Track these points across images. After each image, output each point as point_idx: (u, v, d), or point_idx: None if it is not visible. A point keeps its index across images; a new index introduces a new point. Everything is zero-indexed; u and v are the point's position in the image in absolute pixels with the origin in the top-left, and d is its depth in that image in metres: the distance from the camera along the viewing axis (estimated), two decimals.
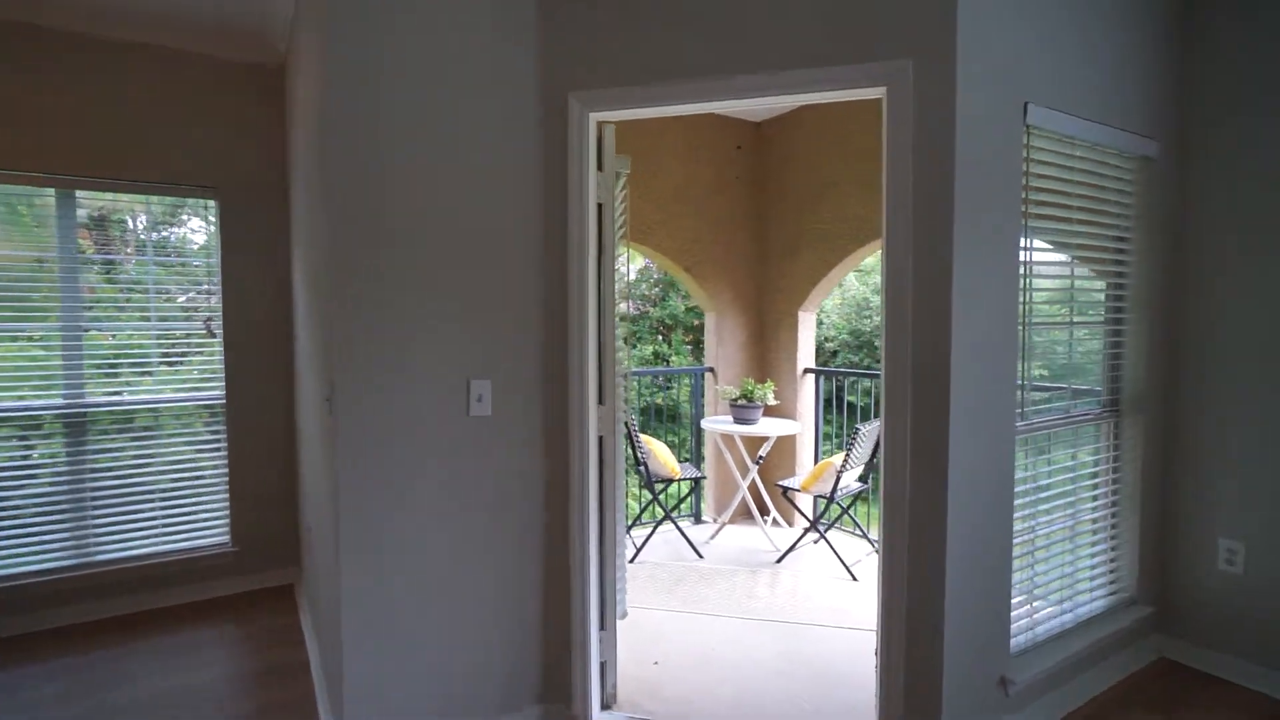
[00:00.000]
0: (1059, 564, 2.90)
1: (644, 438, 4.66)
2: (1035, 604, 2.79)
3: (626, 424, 4.42)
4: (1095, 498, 3.09)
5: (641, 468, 4.44)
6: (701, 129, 5.05)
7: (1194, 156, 3.11)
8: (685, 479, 4.59)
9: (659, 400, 13.46)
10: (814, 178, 4.89)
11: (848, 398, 5.82)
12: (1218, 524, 3.07)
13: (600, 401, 2.72)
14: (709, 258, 5.13)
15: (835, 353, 12.34)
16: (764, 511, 5.10)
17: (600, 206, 2.65)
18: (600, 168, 2.62)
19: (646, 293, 18.53)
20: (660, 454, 4.50)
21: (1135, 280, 3.08)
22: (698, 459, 5.35)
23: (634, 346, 17.15)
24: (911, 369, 2.29)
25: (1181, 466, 3.17)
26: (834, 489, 4.19)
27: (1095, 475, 3.07)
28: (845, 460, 4.13)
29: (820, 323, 11.75)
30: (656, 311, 17.57)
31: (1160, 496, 3.21)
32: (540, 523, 2.62)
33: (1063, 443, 2.94)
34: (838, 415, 6.01)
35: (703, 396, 5.37)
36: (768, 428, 4.73)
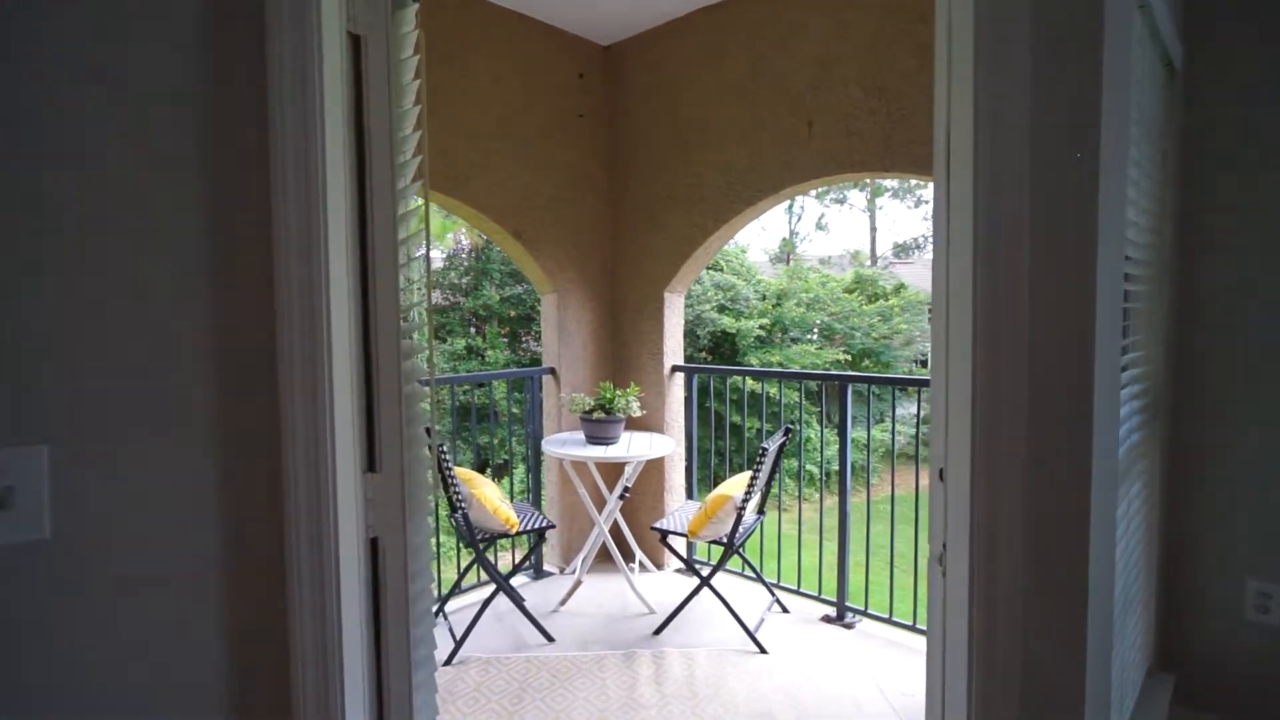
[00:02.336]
0: None
1: (462, 474, 3.18)
2: None
3: (438, 456, 2.91)
4: None
5: (459, 517, 2.97)
6: (531, 46, 3.63)
7: (1213, 82, 2.29)
8: (527, 530, 3.18)
9: (479, 398, 11.75)
10: (683, 115, 3.69)
11: (714, 405, 4.71)
12: (1243, 560, 2.31)
13: (372, 468, 1.28)
14: (546, 220, 3.73)
15: None
16: (628, 556, 3.85)
17: (363, 109, 1.21)
18: None
19: (456, 281, 16.57)
20: (487, 498, 3.04)
21: (1156, 239, 2.20)
22: (537, 495, 3.95)
23: (444, 340, 15.18)
24: (1029, 398, 1.12)
25: (1194, 486, 2.38)
26: (734, 532, 3.03)
27: None
28: (749, 489, 2.99)
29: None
30: (469, 302, 15.71)
31: (1167, 525, 2.40)
32: None
33: None
34: (702, 424, 4.91)
35: (540, 408, 3.98)
36: (634, 447, 3.46)
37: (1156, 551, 2.30)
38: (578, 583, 3.49)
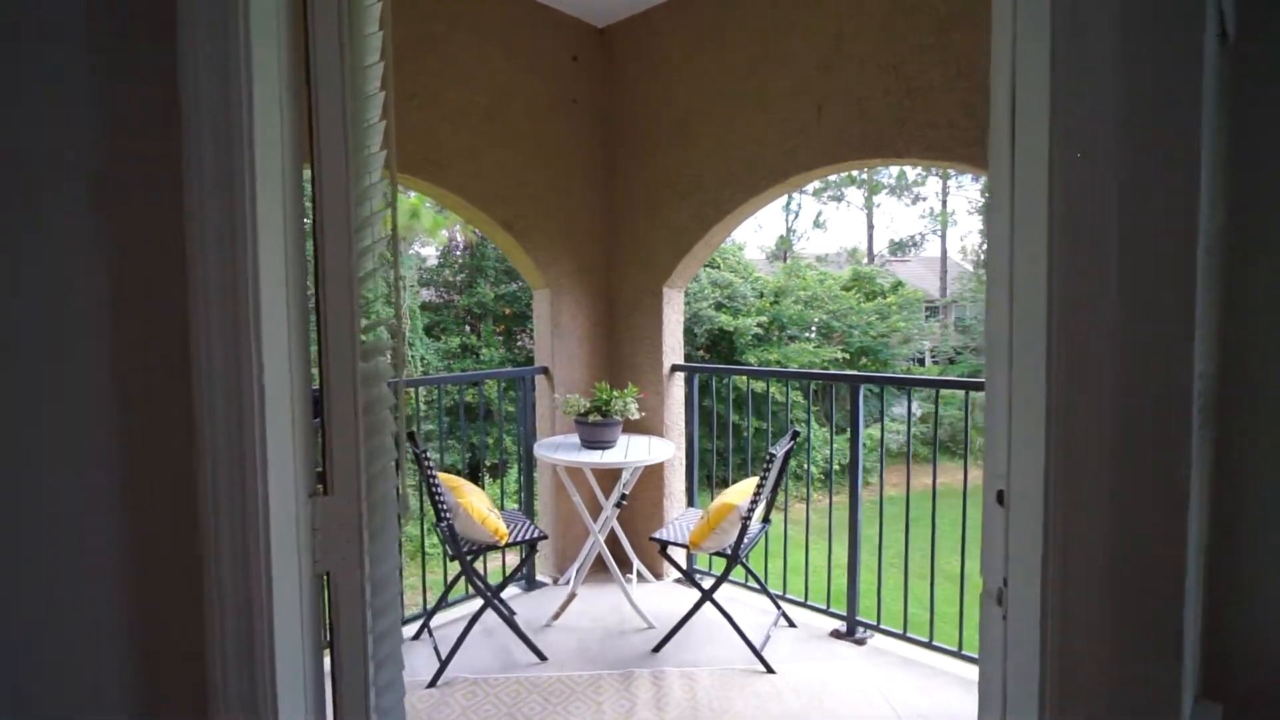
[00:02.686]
0: None
1: (447, 481, 2.96)
2: None
3: (422, 463, 2.72)
4: None
5: (444, 528, 2.75)
6: (522, 28, 3.41)
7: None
8: (517, 542, 2.97)
9: (472, 398, 11.51)
10: (682, 100, 3.47)
11: (714, 405, 4.52)
12: None
13: (324, 488, 1.07)
14: (538, 211, 3.52)
15: None
16: (625, 566, 3.64)
17: (310, 61, 1.01)
18: None
19: (450, 278, 16.31)
20: (474, 507, 2.82)
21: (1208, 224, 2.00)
22: (529, 501, 3.73)
23: (438, 339, 14.93)
24: (1118, 403, 0.91)
25: (1245, 498, 2.18)
26: (739, 543, 2.82)
27: None
28: (755, 497, 2.78)
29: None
30: (464, 300, 15.46)
31: (1212, 540, 2.19)
32: None
33: None
34: (701, 424, 4.69)
35: (533, 409, 3.76)
36: (632, 451, 3.25)
37: (1201, 570, 2.10)
38: (572, 596, 3.28)
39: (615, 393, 3.31)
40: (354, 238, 1.11)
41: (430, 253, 16.61)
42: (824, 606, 3.23)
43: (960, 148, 2.63)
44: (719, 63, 3.31)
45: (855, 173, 23.60)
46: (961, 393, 3.48)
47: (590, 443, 3.27)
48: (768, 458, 2.76)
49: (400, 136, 2.98)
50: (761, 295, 15.95)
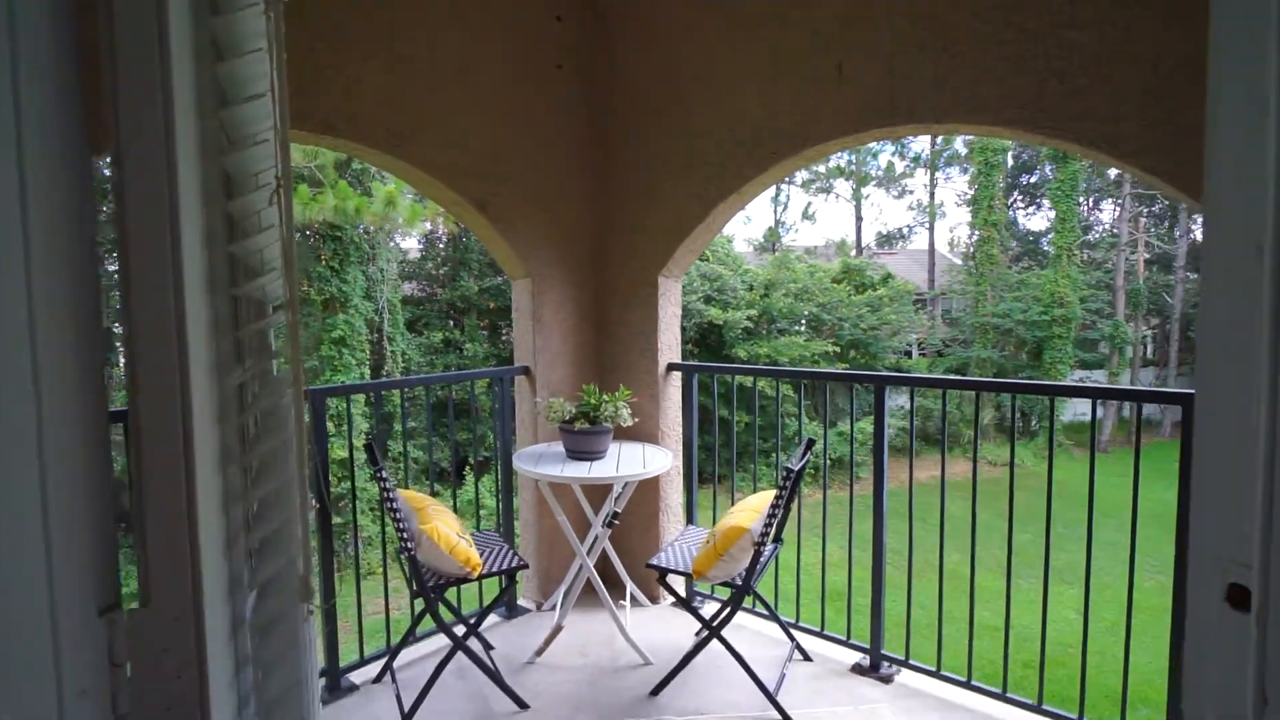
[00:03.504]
0: None
1: (411, 500, 2.53)
2: None
3: (380, 484, 2.28)
4: None
5: (405, 557, 2.31)
6: None
7: None
8: (492, 574, 2.53)
9: (457, 395, 11.01)
10: (682, 65, 3.04)
11: (699, 398, 4.11)
12: None
13: (144, 600, 0.62)
14: (516, 190, 3.07)
15: None
16: (616, 589, 3.21)
17: None
18: None
19: (433, 271, 15.77)
20: (441, 534, 2.38)
21: None
22: (509, 518, 3.29)
23: (421, 334, 14.41)
24: None
25: None
26: (751, 573, 2.41)
27: None
28: (770, 519, 2.37)
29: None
30: (446, 293, 14.93)
31: None
32: None
33: None
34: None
35: (513, 415, 3.32)
36: (624, 463, 2.83)
37: None
38: (557, 629, 2.85)
39: (605, 396, 2.88)
40: (176, 207, 0.67)
41: (412, 245, 16.07)
42: (843, 637, 2.83)
43: (1012, 109, 2.22)
44: (723, 18, 2.87)
45: (844, 163, 23.26)
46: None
47: (576, 453, 2.84)
48: (784, 474, 2.35)
49: (355, 101, 2.53)
50: (751, 288, 15.57)
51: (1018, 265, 21.41)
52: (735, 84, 2.86)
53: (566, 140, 3.25)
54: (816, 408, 15.84)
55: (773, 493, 2.68)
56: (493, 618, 3.13)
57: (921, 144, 23.77)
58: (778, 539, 2.72)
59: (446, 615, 2.67)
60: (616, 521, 2.82)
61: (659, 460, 2.90)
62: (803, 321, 16.37)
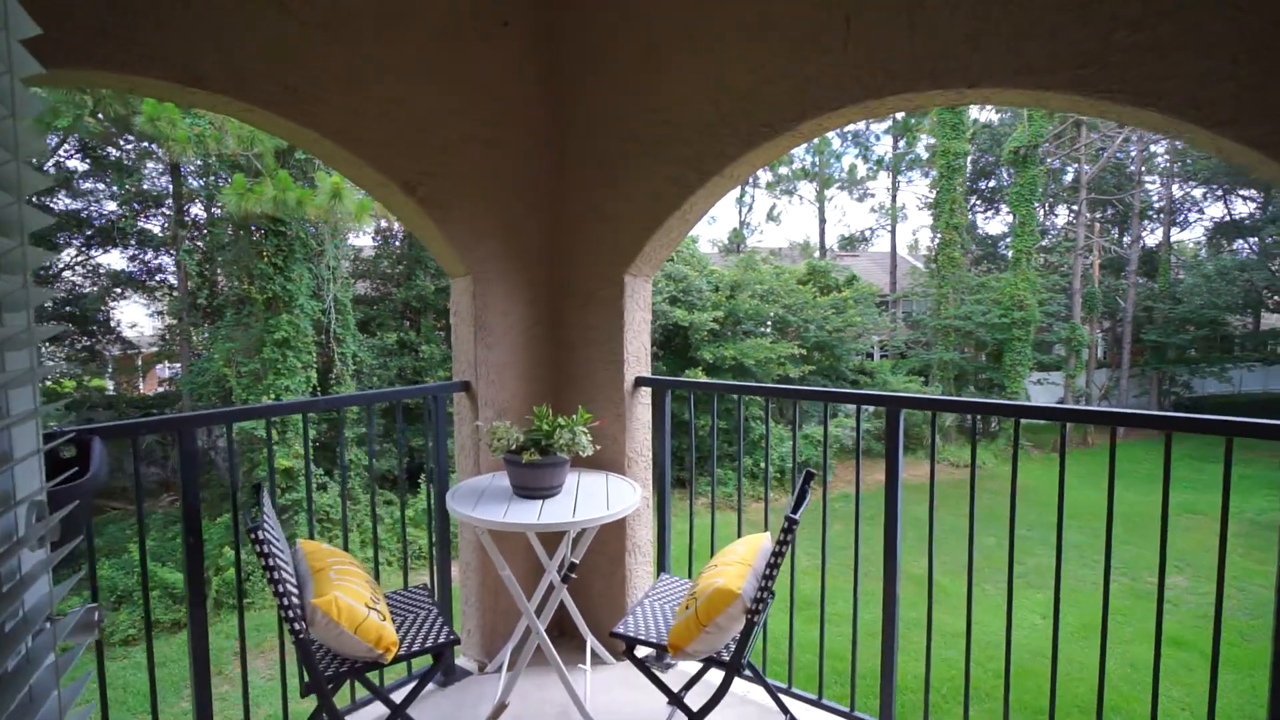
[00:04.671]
0: None
1: (311, 556, 1.96)
2: None
3: (258, 546, 1.70)
4: None
5: (294, 640, 1.74)
6: None
7: None
8: (414, 654, 1.97)
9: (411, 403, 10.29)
10: (655, 22, 2.51)
11: (696, 427, 3.58)
12: None
13: None
14: (454, 169, 2.51)
15: None
16: (573, 643, 2.67)
17: None
18: None
19: (388, 270, 14.93)
20: (343, 607, 1.80)
21: None
22: (444, 566, 2.71)
23: (374, 335, 13.60)
24: None
25: None
26: (744, 647, 1.90)
27: None
28: (767, 579, 1.86)
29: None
30: (401, 293, 14.12)
31: None
32: None
33: None
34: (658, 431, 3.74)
35: (448, 436, 2.76)
36: (583, 502, 2.29)
37: None
38: (501, 707, 2.29)
39: (560, 420, 2.34)
40: None
41: (366, 242, 15.22)
42: (846, 709, 2.34)
43: (1066, 69, 1.75)
44: None
45: (807, 165, 23.06)
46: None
47: (525, 490, 2.30)
48: (786, 525, 1.84)
49: (234, 48, 1.94)
50: (717, 289, 15.15)
51: (977, 268, 21.48)
52: (719, 44, 2.34)
53: (515, 111, 2.70)
54: (783, 411, 15.50)
55: (763, 537, 2.18)
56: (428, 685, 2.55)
57: (884, 146, 23.74)
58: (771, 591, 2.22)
59: (362, 691, 2.10)
60: (573, 575, 2.28)
61: (625, 497, 2.37)
62: (769, 323, 16.02)
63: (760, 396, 2.52)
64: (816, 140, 23.68)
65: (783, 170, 23.65)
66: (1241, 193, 22.98)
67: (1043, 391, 19.33)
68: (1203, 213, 24.14)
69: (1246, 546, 10.74)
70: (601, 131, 2.69)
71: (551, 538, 2.64)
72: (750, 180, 23.69)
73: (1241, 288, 18.81)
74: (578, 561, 2.26)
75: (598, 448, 2.42)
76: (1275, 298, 20.51)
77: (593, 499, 2.34)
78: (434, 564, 2.63)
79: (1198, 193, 23.72)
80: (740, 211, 24.12)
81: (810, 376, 15.59)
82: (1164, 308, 19.92)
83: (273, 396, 10.45)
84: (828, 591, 2.40)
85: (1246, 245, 21.69)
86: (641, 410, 2.77)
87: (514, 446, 2.27)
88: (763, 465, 13.19)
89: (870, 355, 19.95)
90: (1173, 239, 23.69)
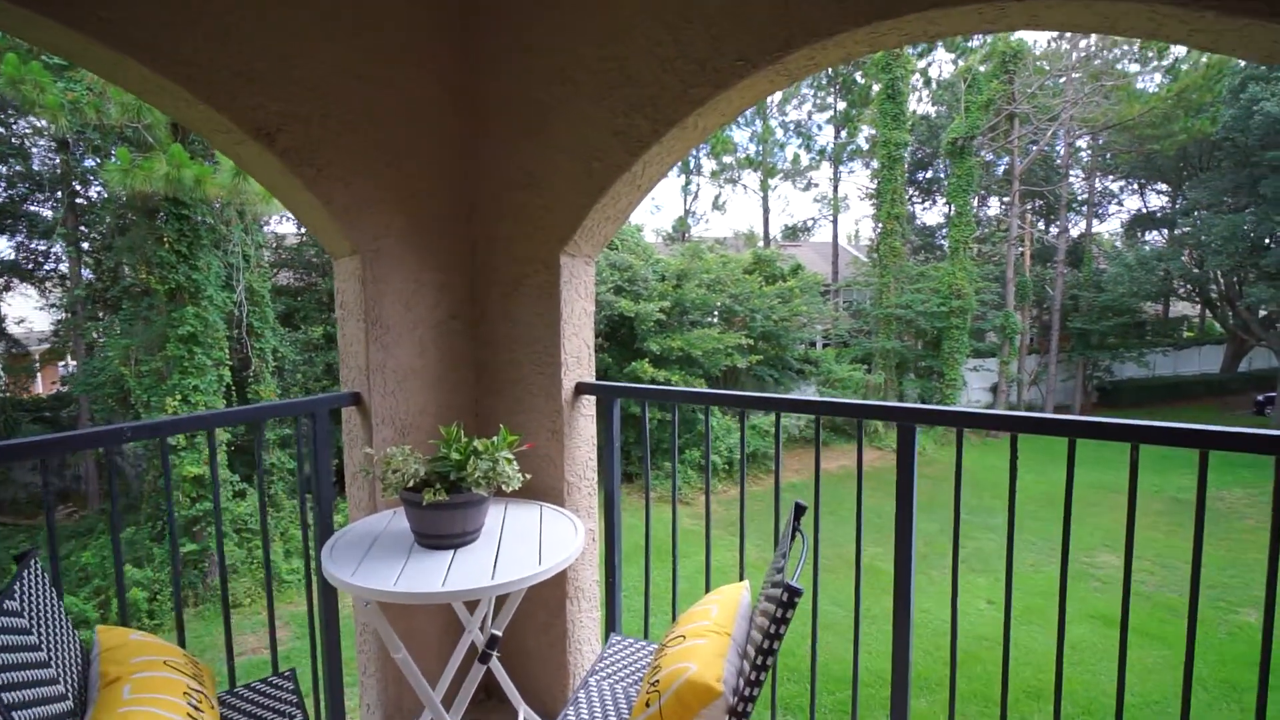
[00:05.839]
0: None
1: (108, 655, 1.32)
2: None
3: None
4: None
5: None
6: None
7: None
8: None
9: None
10: None
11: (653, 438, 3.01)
12: None
13: None
14: (329, 112, 1.87)
15: None
16: (502, 705, 2.11)
17: None
18: None
19: (313, 259, 13.82)
20: None
21: None
22: (332, 634, 2.09)
23: (298, 329, 12.55)
24: None
25: None
26: None
27: None
28: (761, 662, 1.34)
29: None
30: (327, 283, 13.06)
31: None
32: None
33: None
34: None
35: (334, 475, 2.14)
36: (507, 551, 1.72)
37: None
38: None
39: (478, 445, 1.75)
40: None
41: (290, 229, 14.06)
42: None
43: None
44: None
45: (752, 154, 22.78)
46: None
47: (430, 539, 1.71)
48: (784, 596, 1.32)
49: None
50: (663, 279, 14.66)
51: (916, 258, 21.69)
52: None
53: (415, 45, 2.08)
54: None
55: (739, 591, 1.67)
56: None
57: (826, 136, 23.69)
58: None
59: None
60: (494, 651, 1.71)
61: (563, 540, 1.80)
62: (715, 313, 15.66)
63: (733, 407, 1.98)
64: (760, 128, 23.44)
65: (727, 159, 23.33)
66: (1156, 187, 24.00)
67: (978, 378, 19.67)
68: (1122, 205, 25.13)
69: (1170, 524, 10.99)
70: (529, 72, 2.10)
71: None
72: (694, 169, 23.26)
73: (1159, 277, 19.55)
74: (500, 634, 1.69)
75: (527, 477, 1.85)
76: (1185, 286, 21.46)
77: (521, 544, 1.77)
78: (315, 633, 1.99)
79: (1115, 186, 24.67)
80: (685, 200, 23.70)
81: (757, 367, 15.35)
82: (1089, 296, 20.54)
83: (178, 398, 9.42)
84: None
85: (1161, 236, 22.63)
86: (584, 423, 2.21)
87: (412, 483, 1.68)
88: (708, 458, 12.82)
89: (814, 344, 19.91)
90: (1094, 230, 24.58)
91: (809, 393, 17.03)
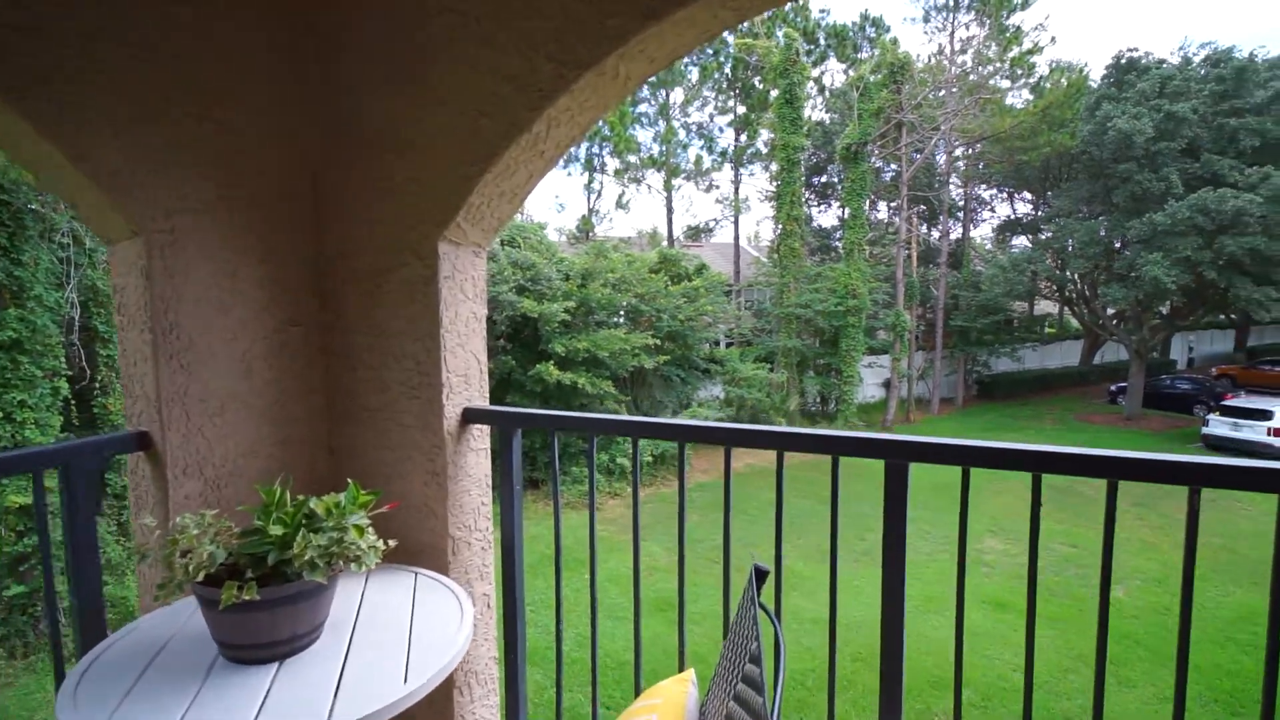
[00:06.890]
0: None
1: None
2: None
3: None
4: None
5: None
6: None
7: None
8: None
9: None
10: None
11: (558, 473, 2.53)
12: None
13: None
14: (85, 30, 1.28)
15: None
16: None
17: None
18: None
19: None
20: None
21: None
22: None
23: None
24: None
25: None
26: None
27: None
28: None
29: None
30: None
31: None
32: None
33: None
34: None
35: (96, 551, 1.52)
36: (362, 649, 1.20)
37: None
38: None
39: (318, 505, 1.22)
40: None
41: None
42: None
43: None
44: None
45: (656, 154, 22.63)
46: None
47: (238, 650, 1.17)
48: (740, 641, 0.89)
49: None
50: (568, 278, 14.13)
51: (814, 259, 22.28)
52: None
53: None
54: (638, 403, 14.88)
55: (685, 686, 1.24)
56: None
57: (728, 139, 23.92)
58: None
59: None
60: None
61: (444, 634, 1.30)
62: (622, 313, 15.30)
63: (669, 439, 1.53)
64: (663, 128, 23.32)
65: (631, 158, 23.05)
66: (1023, 195, 25.94)
67: (871, 373, 20.43)
68: (994, 211, 27.00)
69: (1047, 507, 11.69)
70: (392, 14, 1.57)
71: None
72: (598, 167, 22.82)
73: (1028, 278, 21.05)
74: None
75: (390, 545, 1.33)
76: (1048, 286, 23.29)
77: (382, 644, 1.25)
78: None
79: (988, 194, 26.49)
80: (589, 198, 23.21)
81: (665, 367, 15.11)
82: (968, 295, 21.84)
83: (1, 415, 7.95)
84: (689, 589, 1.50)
85: (1027, 240, 24.44)
86: (474, 460, 1.70)
87: (202, 576, 1.12)
88: (618, 461, 12.44)
89: (717, 343, 19.99)
90: (970, 234, 26.26)
91: (714, 391, 17.02)
